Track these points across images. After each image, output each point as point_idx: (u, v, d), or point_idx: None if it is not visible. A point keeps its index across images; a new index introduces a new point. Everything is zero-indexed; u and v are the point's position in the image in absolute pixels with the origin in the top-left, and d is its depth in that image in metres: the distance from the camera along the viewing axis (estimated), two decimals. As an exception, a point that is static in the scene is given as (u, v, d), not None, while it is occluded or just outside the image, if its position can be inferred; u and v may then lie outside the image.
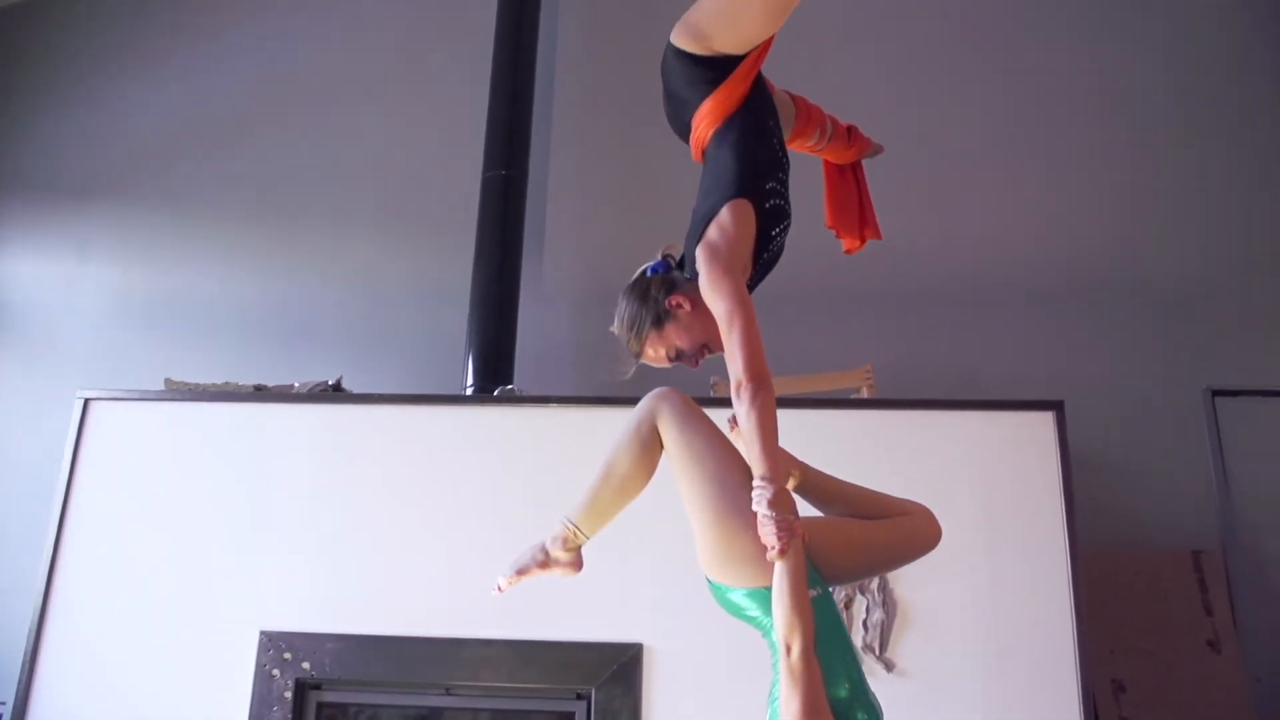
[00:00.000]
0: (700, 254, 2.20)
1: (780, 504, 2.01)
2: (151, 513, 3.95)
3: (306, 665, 3.71)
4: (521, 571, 2.41)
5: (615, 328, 2.37)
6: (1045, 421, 3.81)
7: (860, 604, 3.64)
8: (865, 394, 4.18)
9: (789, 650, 1.94)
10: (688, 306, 2.29)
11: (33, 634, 3.81)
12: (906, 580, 3.60)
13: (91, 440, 4.06)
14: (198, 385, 4.25)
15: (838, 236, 2.75)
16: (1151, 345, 4.75)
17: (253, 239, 5.30)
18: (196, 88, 5.59)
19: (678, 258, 2.42)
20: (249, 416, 4.09)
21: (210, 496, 3.95)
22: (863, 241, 2.76)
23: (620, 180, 5.28)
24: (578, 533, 2.35)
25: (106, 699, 3.74)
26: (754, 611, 2.14)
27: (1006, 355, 4.74)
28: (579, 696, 3.66)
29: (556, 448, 3.89)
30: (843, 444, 3.55)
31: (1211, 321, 4.77)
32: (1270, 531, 4.42)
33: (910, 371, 4.60)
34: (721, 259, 2.17)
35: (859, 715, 2.03)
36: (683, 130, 2.45)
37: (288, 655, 3.72)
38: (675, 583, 3.53)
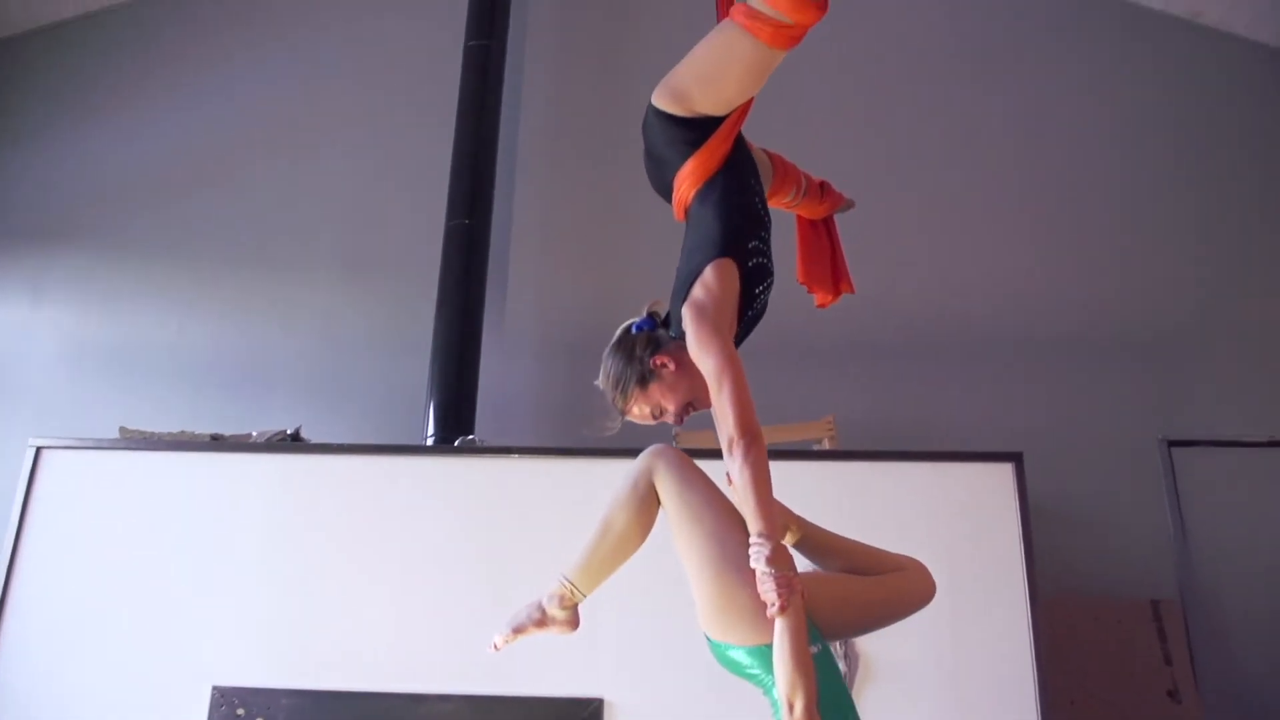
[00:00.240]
0: (687, 313, 2.21)
1: (779, 560, 2.01)
2: (103, 564, 3.87)
3: (260, 721, 3.64)
4: (518, 630, 2.39)
5: (600, 384, 2.38)
6: (1004, 473, 3.83)
7: (822, 656, 3.62)
8: (827, 445, 4.19)
9: (791, 708, 1.93)
10: (672, 366, 2.30)
11: (-22, 689, 3.72)
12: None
13: (43, 489, 3.97)
14: (153, 434, 4.19)
15: (809, 291, 2.77)
16: (1108, 396, 4.81)
17: (211, 286, 5.26)
18: (156, 134, 5.57)
19: (662, 315, 2.43)
20: (205, 466, 4.04)
21: (164, 548, 3.88)
22: (836, 295, 2.78)
23: (583, 231, 5.31)
24: (575, 590, 2.34)
25: (53, 757, 3.64)
26: (754, 669, 2.13)
27: (966, 407, 4.78)
28: (539, 752, 3.61)
29: (519, 499, 3.87)
30: (805, 495, 3.52)
31: (1167, 372, 4.85)
32: (1228, 581, 4.47)
33: (871, 423, 4.63)
34: (708, 318, 2.18)
35: None
36: (664, 189, 2.47)
37: (241, 711, 3.64)
38: (637, 637, 3.51)
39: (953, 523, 3.77)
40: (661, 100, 2.37)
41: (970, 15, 5.62)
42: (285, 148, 5.51)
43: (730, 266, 2.25)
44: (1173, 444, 4.65)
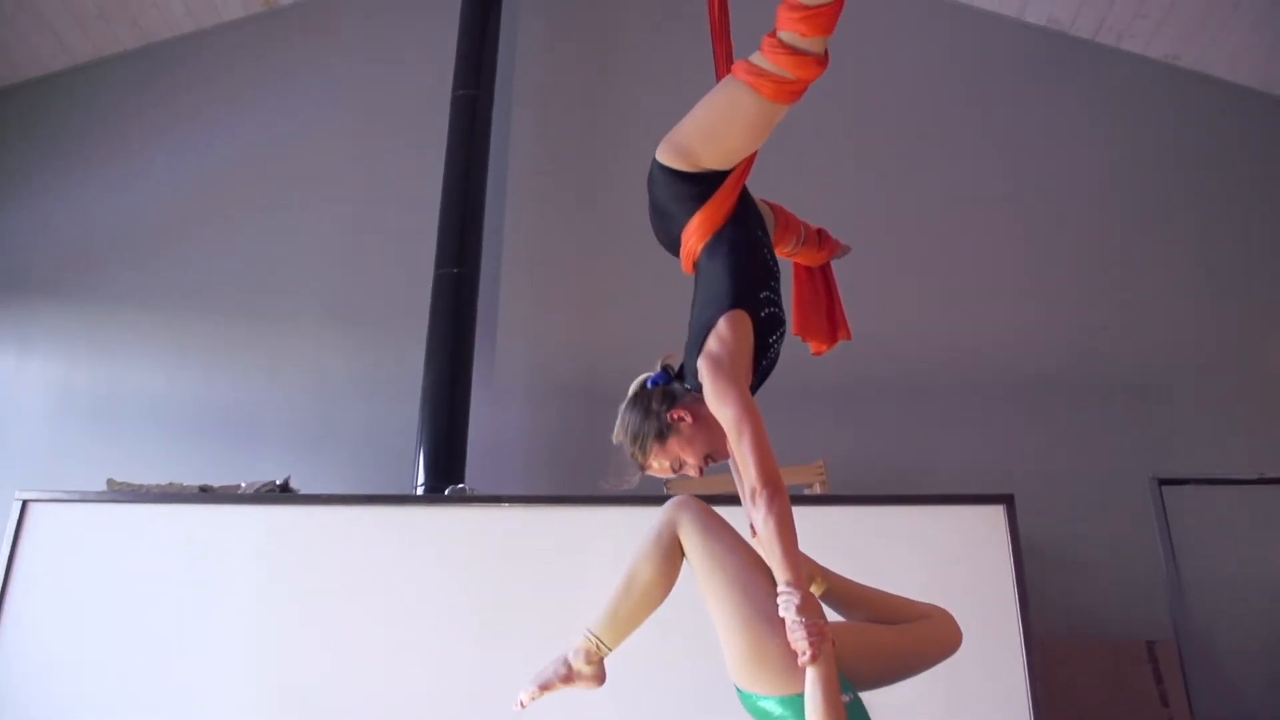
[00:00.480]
0: (703, 365, 2.24)
1: (809, 609, 2.02)
2: (91, 619, 3.82)
3: (249, 777, 3.59)
4: (545, 686, 2.36)
5: (618, 439, 2.39)
6: (996, 515, 3.83)
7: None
8: (818, 490, 4.18)
9: None
10: (690, 419, 2.32)
11: (-39, 749, 3.66)
12: (863, 677, 3.56)
13: (30, 543, 3.93)
14: (141, 486, 4.16)
15: (804, 340, 2.79)
16: (1098, 436, 4.83)
17: (199, 336, 5.25)
18: (144, 184, 5.58)
19: (676, 368, 2.44)
20: (194, 518, 4.00)
21: (153, 601, 3.83)
22: (833, 343, 2.81)
23: (571, 278, 5.32)
24: (600, 645, 2.32)
25: (38, 817, 3.59)
26: (786, 719, 2.12)
27: (957, 449, 4.79)
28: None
29: (510, 548, 3.84)
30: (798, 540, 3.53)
31: (1156, 411, 4.87)
32: (1223, 619, 4.45)
33: (862, 466, 4.62)
34: (725, 369, 2.20)
35: None
36: (670, 243, 2.50)
37: (230, 767, 3.59)
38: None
39: (946, 566, 3.76)
40: (666, 156, 2.41)
41: (957, 63, 5.69)
42: (273, 197, 5.53)
43: (743, 318, 2.28)
44: (1163, 482, 4.65)
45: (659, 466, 2.37)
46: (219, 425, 5.04)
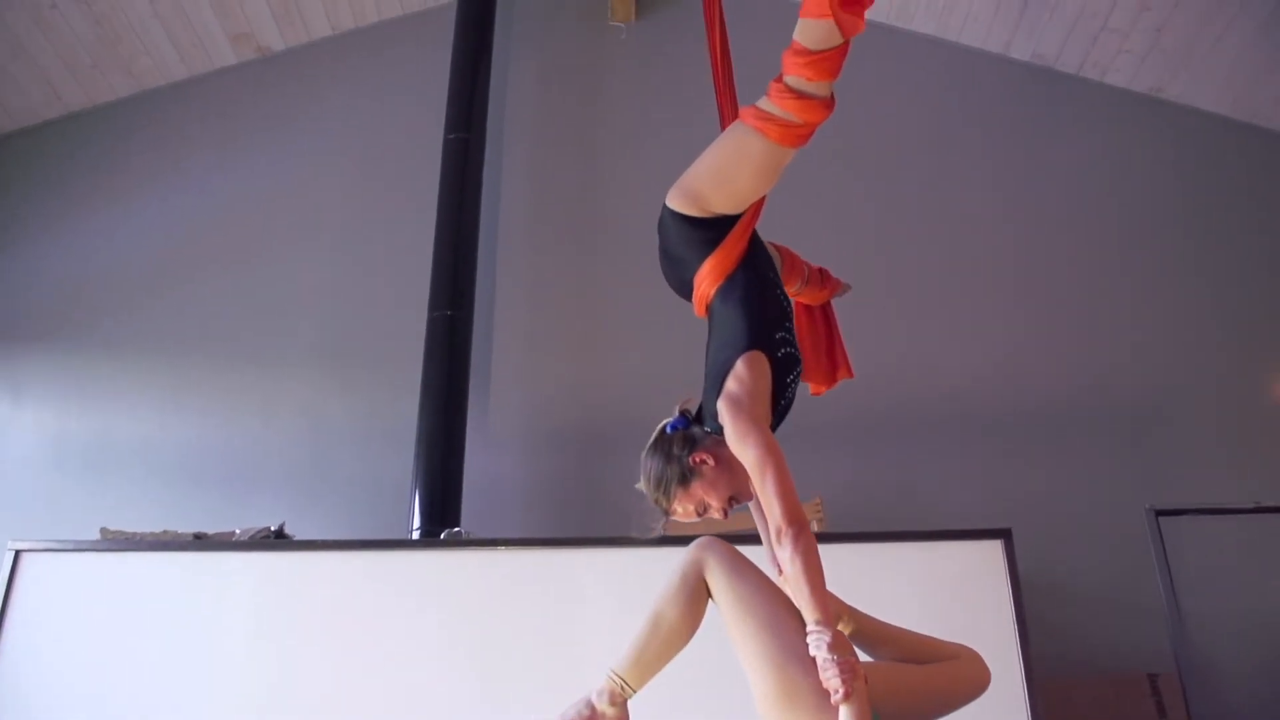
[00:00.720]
0: (723, 407, 2.25)
1: (839, 647, 2.02)
2: (85, 669, 3.78)
3: (246, 829, 3.54)
4: None
5: (641, 486, 2.40)
6: (994, 550, 3.81)
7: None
8: (815, 528, 4.17)
9: None
10: (712, 462, 2.33)
11: (-47, 806, 3.62)
12: (864, 717, 3.53)
13: (22, 594, 3.89)
14: (135, 534, 4.14)
15: (804, 381, 2.80)
16: (1093, 468, 4.83)
17: (192, 382, 5.24)
18: (136, 230, 5.59)
19: (694, 412, 2.45)
20: (189, 566, 3.97)
21: (148, 650, 3.79)
22: (833, 382, 2.83)
23: (565, 319, 5.33)
24: (625, 686, 2.30)
25: None
26: None
27: (953, 484, 4.78)
28: None
29: (507, 592, 3.81)
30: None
31: (1151, 443, 4.87)
32: (1224, 649, 4.43)
33: (858, 502, 4.61)
34: (745, 410, 2.23)
35: None
36: (682, 288, 2.53)
37: (226, 818, 3.55)
38: None
39: (944, 603, 3.74)
40: (676, 202, 2.44)
41: (945, 100, 5.75)
42: (266, 243, 5.54)
43: (761, 358, 2.31)
44: (1160, 513, 4.64)
45: (683, 511, 2.38)
46: (213, 472, 5.02)
